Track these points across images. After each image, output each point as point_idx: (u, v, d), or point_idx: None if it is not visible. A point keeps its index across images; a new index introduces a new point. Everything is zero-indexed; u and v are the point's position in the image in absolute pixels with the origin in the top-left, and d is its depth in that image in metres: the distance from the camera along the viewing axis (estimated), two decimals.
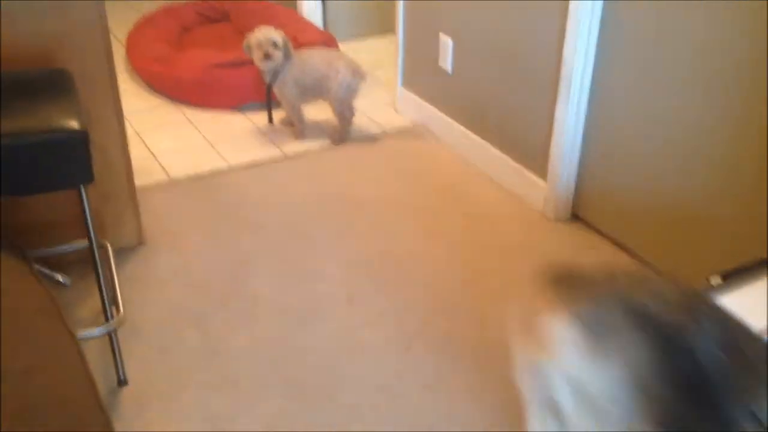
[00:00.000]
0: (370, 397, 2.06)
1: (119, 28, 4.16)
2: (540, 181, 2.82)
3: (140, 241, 2.62)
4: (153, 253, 2.60)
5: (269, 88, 3.31)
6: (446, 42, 3.15)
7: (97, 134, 2.34)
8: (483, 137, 3.09)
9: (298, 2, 4.33)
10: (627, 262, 2.56)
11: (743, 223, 2.17)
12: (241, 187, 3.00)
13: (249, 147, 3.29)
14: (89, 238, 1.94)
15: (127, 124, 2.48)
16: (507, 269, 2.55)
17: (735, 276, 1.54)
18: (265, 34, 3.17)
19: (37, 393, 1.37)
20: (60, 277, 2.41)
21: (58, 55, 2.22)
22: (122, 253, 2.56)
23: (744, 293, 1.48)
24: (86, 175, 1.84)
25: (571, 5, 2.47)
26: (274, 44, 3.16)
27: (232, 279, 2.49)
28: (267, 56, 3.16)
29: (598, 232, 2.71)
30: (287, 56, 3.21)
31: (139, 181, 2.63)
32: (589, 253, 2.63)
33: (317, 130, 3.42)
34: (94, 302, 2.29)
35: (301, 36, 3.67)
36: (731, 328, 1.09)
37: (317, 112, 3.51)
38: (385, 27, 4.36)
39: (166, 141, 3.32)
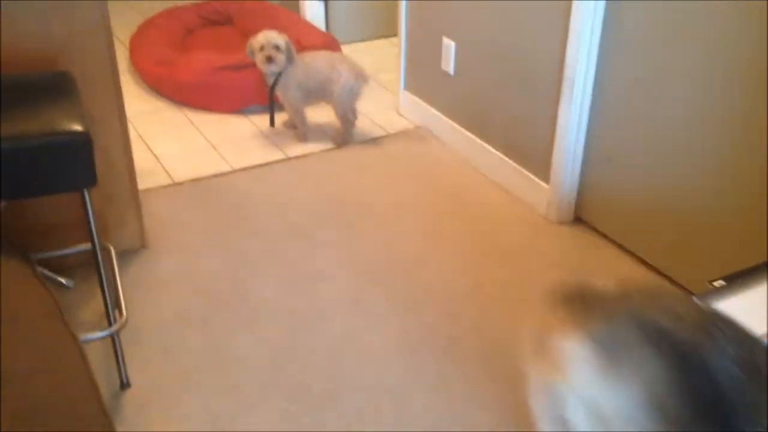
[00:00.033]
0: (374, 399, 2.06)
1: (122, 31, 4.17)
2: (543, 184, 2.82)
3: (143, 244, 2.62)
4: (155, 255, 2.60)
5: (272, 91, 3.31)
6: (449, 45, 3.15)
7: (100, 137, 2.34)
8: (485, 140, 3.09)
9: (301, 5, 4.33)
10: (630, 264, 2.56)
11: (746, 226, 2.17)
12: (243, 189, 3.00)
13: (252, 150, 3.29)
14: (92, 241, 1.94)
15: (129, 127, 2.48)
16: (510, 272, 2.55)
17: (737, 279, 1.54)
18: (268, 37, 3.17)
19: (39, 395, 1.37)
20: (63, 280, 2.41)
21: (61, 58, 2.23)
22: (125, 255, 2.56)
23: (746, 297, 1.48)
24: (89, 178, 1.84)
25: (574, 8, 2.47)
26: (277, 47, 3.16)
27: (234, 281, 2.49)
28: (270, 59, 3.16)
29: (601, 234, 2.71)
30: (290, 59, 3.22)
31: (141, 183, 2.63)
32: (592, 255, 2.62)
33: (320, 132, 3.43)
34: (96, 305, 2.29)
35: (304, 39, 3.68)
36: (748, 345, 1.08)
37: (320, 114, 3.51)
38: (388, 30, 4.36)
39: (168, 144, 3.33)
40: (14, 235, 2.27)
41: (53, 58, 2.22)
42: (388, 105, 3.70)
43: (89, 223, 1.91)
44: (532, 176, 2.87)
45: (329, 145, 3.33)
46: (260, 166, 3.17)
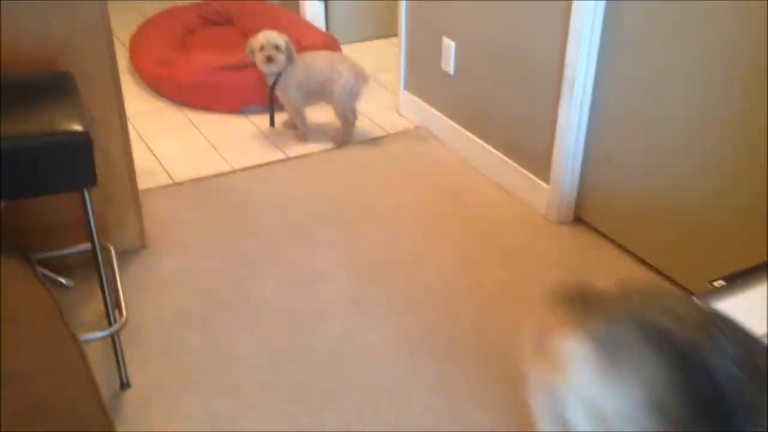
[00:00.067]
0: (374, 399, 2.06)
1: (122, 31, 4.17)
2: (543, 184, 2.82)
3: (143, 244, 2.62)
4: (155, 255, 2.60)
5: (272, 91, 3.31)
6: (449, 45, 3.15)
7: (100, 137, 2.34)
8: (485, 140, 3.09)
9: (301, 5, 4.33)
10: (630, 264, 2.56)
11: (746, 226, 2.17)
12: (243, 189, 3.00)
13: (252, 150, 3.29)
14: (92, 241, 1.94)
15: (129, 127, 2.48)
16: (510, 272, 2.55)
17: (737, 279, 1.54)
18: (268, 37, 3.17)
19: (39, 395, 1.37)
20: (63, 280, 2.41)
21: (61, 58, 2.23)
22: (125, 255, 2.56)
23: (746, 297, 1.48)
24: (89, 178, 1.84)
25: (574, 8, 2.47)
26: (277, 48, 3.16)
27: (234, 281, 2.49)
28: (269, 60, 3.16)
29: (601, 234, 2.71)
30: (290, 59, 3.22)
31: (141, 183, 2.63)
32: (592, 255, 2.62)
33: (320, 132, 3.43)
34: (97, 305, 2.29)
35: (304, 39, 3.68)
36: (748, 345, 1.08)
37: (320, 114, 3.52)
38: (388, 30, 4.36)
39: (168, 143, 3.33)
40: (14, 235, 2.27)
41: (53, 58, 2.22)
42: (388, 105, 3.70)
43: (89, 223, 1.91)
44: (532, 176, 2.87)
45: (329, 145, 3.33)
46: (260, 166, 3.17)
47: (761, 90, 2.03)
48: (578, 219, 2.80)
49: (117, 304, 2.19)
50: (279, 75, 3.24)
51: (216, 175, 3.09)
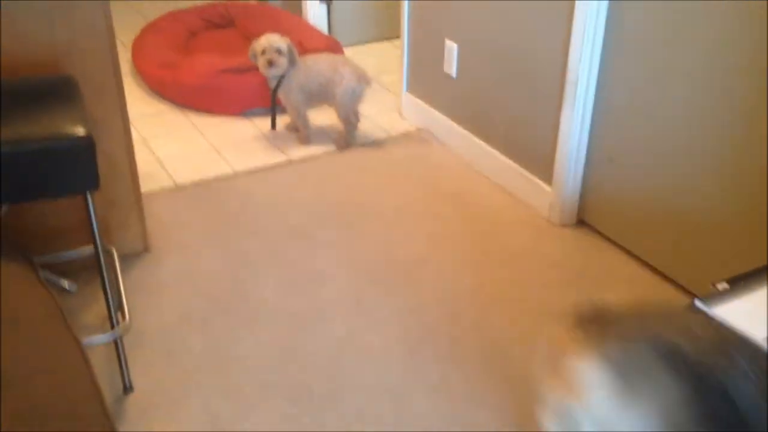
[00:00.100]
0: (375, 400, 2.06)
1: (125, 33, 4.17)
2: (545, 186, 2.82)
3: (145, 247, 2.62)
4: (158, 258, 2.60)
5: (274, 94, 3.31)
6: (451, 47, 3.15)
7: (103, 140, 2.34)
8: (488, 142, 3.09)
9: (304, 8, 4.33)
10: (633, 267, 2.56)
11: (749, 229, 2.17)
12: (246, 192, 3.00)
13: (254, 152, 3.29)
14: (95, 244, 1.94)
15: (131, 129, 2.48)
16: (512, 274, 2.55)
17: (741, 282, 1.53)
18: (270, 41, 3.17)
19: (41, 398, 1.37)
20: (65, 283, 2.41)
21: (63, 62, 2.23)
22: (127, 258, 2.56)
23: (750, 299, 1.48)
24: (92, 182, 1.84)
25: (576, 9, 2.47)
26: (279, 51, 3.16)
27: (237, 284, 2.49)
28: (270, 63, 3.17)
29: (604, 237, 2.71)
30: (292, 62, 3.22)
31: (143, 186, 2.64)
32: (595, 258, 2.62)
33: (322, 135, 3.43)
34: (99, 308, 2.29)
35: (306, 42, 3.68)
36: (766, 365, 1.06)
37: (322, 117, 3.52)
38: (390, 32, 4.36)
39: (171, 146, 3.33)
40: (17, 237, 2.27)
41: (56, 62, 2.22)
42: (390, 107, 3.70)
43: (92, 226, 1.92)
44: (534, 178, 2.87)
45: (331, 148, 3.33)
46: (262, 168, 3.17)
47: (763, 90, 2.03)
48: (581, 221, 2.80)
49: (119, 307, 2.19)
50: (281, 78, 3.24)
51: (218, 178, 3.09)
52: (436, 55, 3.27)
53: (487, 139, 3.09)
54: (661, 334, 1.10)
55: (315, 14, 4.31)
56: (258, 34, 3.25)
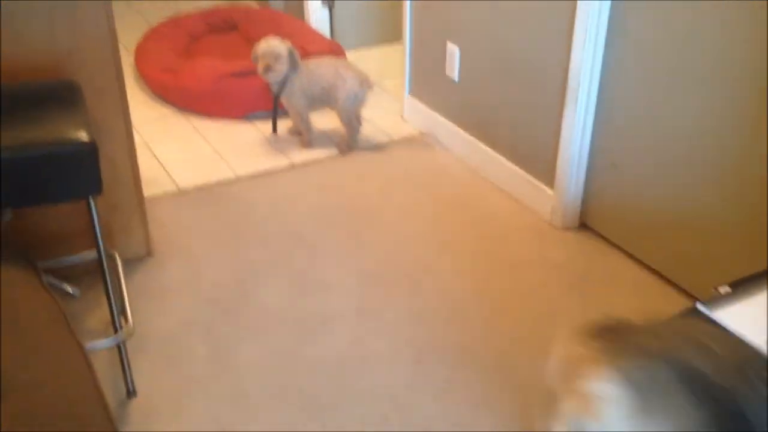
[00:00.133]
0: (380, 407, 2.06)
1: (128, 38, 4.18)
2: (548, 190, 2.82)
3: (148, 252, 2.62)
4: (161, 263, 2.60)
5: (276, 98, 3.31)
6: (453, 51, 3.15)
7: (106, 145, 2.35)
8: (490, 146, 3.09)
9: (306, 12, 4.34)
10: (635, 271, 2.56)
11: (752, 233, 2.16)
12: (248, 196, 3.01)
13: (257, 156, 3.30)
14: (98, 249, 1.94)
15: (134, 134, 2.49)
16: (516, 279, 2.55)
17: (743, 286, 1.53)
18: (269, 46, 3.18)
19: (45, 404, 1.38)
20: (69, 288, 2.42)
21: (67, 67, 2.23)
22: (130, 263, 2.56)
23: (752, 303, 1.48)
24: (95, 187, 1.85)
25: (578, 14, 2.47)
26: (276, 57, 3.16)
27: (240, 289, 2.49)
28: (267, 69, 3.17)
29: (606, 240, 2.71)
30: (294, 66, 3.22)
31: (146, 191, 2.64)
32: (598, 261, 2.62)
33: (325, 139, 3.43)
34: (102, 313, 2.29)
35: (308, 46, 3.68)
36: None
37: (325, 121, 3.52)
38: (392, 36, 4.36)
39: (174, 151, 3.33)
40: (20, 242, 2.27)
41: (59, 67, 2.23)
42: (392, 111, 3.70)
43: (95, 231, 1.92)
44: (536, 182, 2.87)
45: (334, 152, 3.33)
46: (265, 173, 3.17)
47: (766, 94, 2.03)
48: (583, 225, 2.80)
49: (122, 312, 2.19)
50: (284, 81, 3.24)
51: (221, 182, 3.09)
52: (438, 59, 3.27)
53: (490, 142, 3.09)
54: (681, 355, 1.08)
55: (317, 18, 4.31)
56: (260, 38, 3.25)
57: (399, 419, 2.02)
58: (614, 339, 1.14)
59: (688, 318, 1.37)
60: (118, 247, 2.50)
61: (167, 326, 2.33)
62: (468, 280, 2.54)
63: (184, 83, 3.62)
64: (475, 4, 2.95)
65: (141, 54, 3.96)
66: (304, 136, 3.37)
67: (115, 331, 2.04)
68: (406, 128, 3.55)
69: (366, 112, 3.45)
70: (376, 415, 2.03)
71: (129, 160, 2.46)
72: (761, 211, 2.12)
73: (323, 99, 3.29)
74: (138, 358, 2.16)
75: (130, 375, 2.08)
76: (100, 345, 2.10)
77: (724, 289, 1.52)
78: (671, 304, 2.37)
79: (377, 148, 3.39)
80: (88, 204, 1.88)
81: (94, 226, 1.91)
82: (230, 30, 4.35)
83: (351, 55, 3.99)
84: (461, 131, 3.24)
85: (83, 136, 1.80)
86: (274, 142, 3.42)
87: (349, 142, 3.34)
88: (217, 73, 3.56)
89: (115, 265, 2.35)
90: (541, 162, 2.83)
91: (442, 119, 3.36)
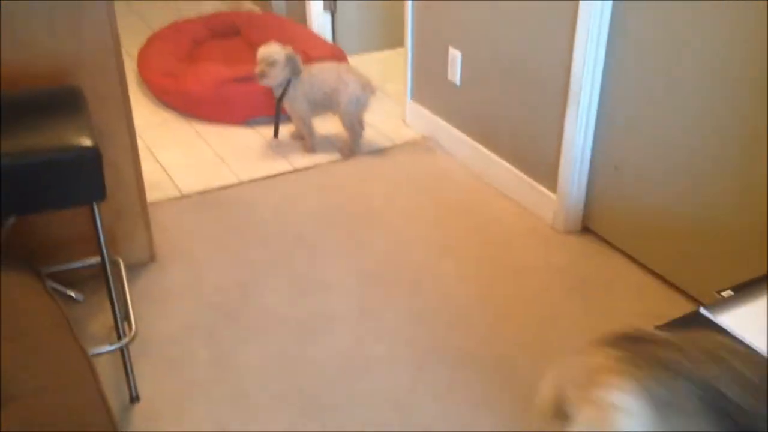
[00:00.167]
0: (382, 409, 2.06)
1: (130, 43, 4.19)
2: (550, 194, 2.82)
3: (151, 257, 2.63)
4: (164, 268, 2.61)
5: (279, 103, 3.32)
6: (455, 55, 3.16)
7: (110, 151, 2.35)
8: (492, 150, 3.10)
9: (308, 17, 4.35)
10: (639, 274, 2.56)
11: (755, 236, 2.16)
12: (251, 201, 3.01)
13: (259, 161, 3.30)
14: (101, 255, 1.94)
15: (138, 139, 2.49)
16: (518, 283, 2.55)
17: (746, 289, 1.53)
18: (269, 51, 3.18)
19: (48, 408, 1.38)
20: (72, 294, 2.42)
21: (70, 73, 2.24)
22: (134, 268, 2.57)
23: (754, 307, 1.48)
24: (99, 192, 1.85)
25: (579, 17, 2.47)
26: (272, 63, 3.17)
27: (242, 293, 2.50)
28: (261, 75, 3.18)
29: (609, 244, 2.71)
30: (296, 71, 3.23)
31: (149, 196, 2.64)
32: (601, 265, 2.62)
33: (327, 143, 3.43)
34: (106, 318, 2.30)
35: (310, 50, 3.69)
36: None
37: (327, 125, 3.52)
38: (394, 41, 4.37)
39: (176, 156, 3.34)
40: (24, 248, 2.28)
41: (62, 73, 2.23)
42: (394, 116, 3.71)
43: (98, 236, 1.92)
44: (539, 186, 2.87)
45: (336, 156, 3.34)
46: (268, 177, 3.18)
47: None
48: (586, 228, 2.80)
49: (126, 317, 2.19)
50: (286, 86, 3.25)
51: (223, 187, 3.10)
52: (439, 64, 3.28)
53: (492, 146, 3.10)
54: (704, 374, 1.04)
55: (319, 23, 4.32)
56: (262, 44, 3.26)
57: (399, 420, 2.02)
58: (634, 349, 1.11)
59: (710, 331, 1.32)
60: (122, 252, 2.50)
61: (169, 330, 2.33)
62: (470, 283, 2.54)
63: (187, 88, 3.62)
64: (477, 8, 2.96)
65: (143, 59, 3.97)
66: (307, 141, 3.38)
67: (119, 336, 2.05)
68: (408, 132, 3.56)
69: (368, 117, 3.45)
70: (377, 418, 2.03)
71: (132, 166, 2.47)
72: (764, 214, 2.12)
73: (326, 104, 3.30)
74: (140, 362, 2.17)
75: (134, 379, 2.08)
76: (104, 350, 2.10)
77: (726, 293, 1.52)
78: (674, 307, 2.37)
79: (379, 152, 3.39)
80: (92, 210, 1.88)
81: (97, 232, 1.92)
82: (233, 35, 4.36)
83: (353, 60, 4.00)
84: (463, 135, 3.25)
85: (86, 142, 1.81)
86: (276, 147, 3.42)
87: (351, 146, 3.34)
88: (219, 78, 3.57)
89: (119, 271, 2.35)
90: (543, 166, 2.83)
91: (444, 123, 3.36)
